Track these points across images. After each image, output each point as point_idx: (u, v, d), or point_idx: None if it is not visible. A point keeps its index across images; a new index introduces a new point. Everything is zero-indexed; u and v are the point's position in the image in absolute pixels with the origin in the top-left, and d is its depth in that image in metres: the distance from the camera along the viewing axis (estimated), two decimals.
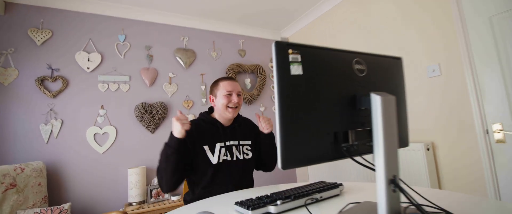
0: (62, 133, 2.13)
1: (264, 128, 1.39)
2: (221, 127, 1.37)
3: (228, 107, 1.35)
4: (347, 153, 0.70)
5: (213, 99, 1.41)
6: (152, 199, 2.19)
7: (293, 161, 0.61)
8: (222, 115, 1.37)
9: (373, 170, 0.68)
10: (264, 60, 3.24)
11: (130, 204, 2.13)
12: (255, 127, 1.53)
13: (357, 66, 0.74)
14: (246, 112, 2.96)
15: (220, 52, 2.95)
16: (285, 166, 0.60)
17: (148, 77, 2.48)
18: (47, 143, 2.07)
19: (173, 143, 1.18)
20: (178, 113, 1.22)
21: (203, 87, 2.76)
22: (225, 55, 2.98)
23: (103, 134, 2.27)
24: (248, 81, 3.04)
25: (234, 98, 1.35)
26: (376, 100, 0.65)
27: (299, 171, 3.19)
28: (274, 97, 3.28)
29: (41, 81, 2.11)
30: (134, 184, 2.15)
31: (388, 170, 0.65)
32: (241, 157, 1.37)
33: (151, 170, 2.37)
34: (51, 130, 2.09)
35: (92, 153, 2.22)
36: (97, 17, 2.38)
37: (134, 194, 2.14)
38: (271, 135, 1.42)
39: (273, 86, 3.21)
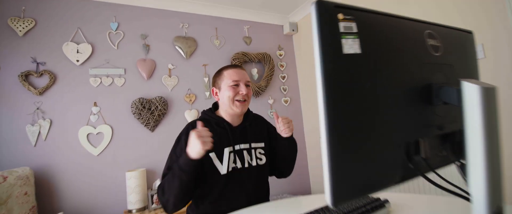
0: (51, 134, 1.95)
1: (283, 131, 1.16)
2: (229, 127, 1.16)
3: (235, 100, 1.13)
4: (419, 171, 0.48)
5: (216, 93, 1.19)
6: (154, 205, 2.02)
7: (349, 191, 0.40)
8: (229, 110, 1.15)
9: (467, 199, 0.46)
10: (272, 48, 2.99)
11: (130, 212, 1.95)
12: (269, 126, 1.32)
13: (430, 42, 0.51)
14: (254, 105, 2.74)
15: (224, 40, 2.72)
16: (337, 201, 0.38)
17: (145, 70, 2.27)
18: (35, 146, 1.89)
19: (188, 167, 0.93)
20: (199, 125, 0.96)
21: (206, 79, 2.55)
22: (229, 43, 2.74)
23: (97, 134, 2.08)
24: (255, 71, 2.81)
25: (242, 90, 1.13)
26: (472, 92, 0.43)
27: (313, 174, 2.98)
28: (284, 88, 3.08)
29: (26, 76, 1.92)
30: (133, 189, 1.97)
31: (492, 199, 0.43)
32: (254, 163, 1.16)
33: (151, 173, 2.19)
34: (39, 131, 1.91)
35: (85, 155, 2.04)
36: (85, 3, 2.16)
37: (133, 200, 1.96)
38: (291, 140, 1.20)
39: (282, 76, 2.97)
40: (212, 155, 1.08)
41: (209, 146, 0.92)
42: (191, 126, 1.13)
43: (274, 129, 1.32)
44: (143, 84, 2.28)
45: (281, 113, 2.92)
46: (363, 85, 0.41)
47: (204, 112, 1.22)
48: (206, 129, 0.95)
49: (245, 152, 1.15)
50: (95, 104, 2.10)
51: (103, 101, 2.13)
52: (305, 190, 2.94)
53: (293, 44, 3.19)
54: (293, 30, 3.05)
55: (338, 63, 0.38)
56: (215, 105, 1.26)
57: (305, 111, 3.05)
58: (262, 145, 1.22)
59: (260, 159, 1.19)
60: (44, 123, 1.93)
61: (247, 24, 2.88)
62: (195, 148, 0.91)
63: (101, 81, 2.13)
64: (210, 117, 1.18)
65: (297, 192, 2.85)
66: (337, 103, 0.38)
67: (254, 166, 1.16)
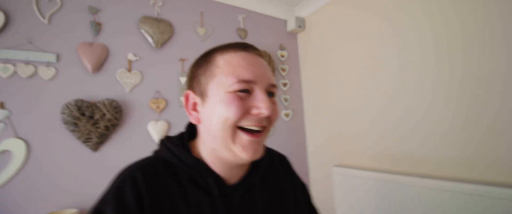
0: None
1: None
2: (219, 189, 0.51)
3: (242, 128, 0.49)
4: None
5: (196, 105, 0.55)
6: None
7: None
8: (223, 151, 0.51)
9: None
10: (272, 46, 2.40)
11: None
12: (296, 180, 0.69)
13: None
14: None
15: (211, 29, 2.08)
16: None
17: (90, 59, 1.57)
18: None
19: None
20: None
21: (183, 80, 1.89)
22: (218, 33, 2.12)
23: (1, 152, 1.35)
24: None
25: (261, 104, 0.49)
26: None
27: (317, 199, 2.36)
28: (285, 99, 2.49)
29: None
30: None
31: None
32: None
33: None
34: None
35: None
36: None
37: None
38: None
39: (284, 84, 2.38)
40: None
41: None
42: (130, 179, 0.47)
43: (305, 186, 0.70)
44: (85, 80, 1.58)
45: (282, 129, 2.30)
46: None
47: (165, 145, 0.56)
48: None
49: None
50: (1, 105, 1.37)
51: (15, 102, 1.40)
52: None
53: (298, 45, 2.61)
54: (299, 26, 2.48)
55: None
56: (191, 132, 0.60)
57: (309, 127, 2.45)
58: None
59: None
60: None
61: (243, 13, 2.28)
62: None
63: (15, 71, 1.41)
64: (179, 161, 0.52)
65: None
66: None
67: None
